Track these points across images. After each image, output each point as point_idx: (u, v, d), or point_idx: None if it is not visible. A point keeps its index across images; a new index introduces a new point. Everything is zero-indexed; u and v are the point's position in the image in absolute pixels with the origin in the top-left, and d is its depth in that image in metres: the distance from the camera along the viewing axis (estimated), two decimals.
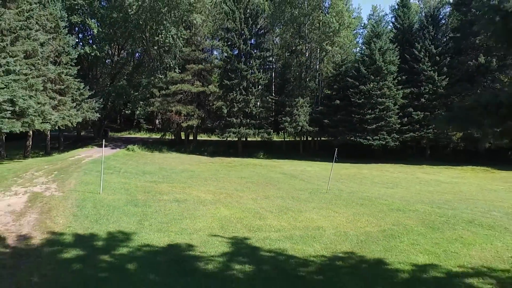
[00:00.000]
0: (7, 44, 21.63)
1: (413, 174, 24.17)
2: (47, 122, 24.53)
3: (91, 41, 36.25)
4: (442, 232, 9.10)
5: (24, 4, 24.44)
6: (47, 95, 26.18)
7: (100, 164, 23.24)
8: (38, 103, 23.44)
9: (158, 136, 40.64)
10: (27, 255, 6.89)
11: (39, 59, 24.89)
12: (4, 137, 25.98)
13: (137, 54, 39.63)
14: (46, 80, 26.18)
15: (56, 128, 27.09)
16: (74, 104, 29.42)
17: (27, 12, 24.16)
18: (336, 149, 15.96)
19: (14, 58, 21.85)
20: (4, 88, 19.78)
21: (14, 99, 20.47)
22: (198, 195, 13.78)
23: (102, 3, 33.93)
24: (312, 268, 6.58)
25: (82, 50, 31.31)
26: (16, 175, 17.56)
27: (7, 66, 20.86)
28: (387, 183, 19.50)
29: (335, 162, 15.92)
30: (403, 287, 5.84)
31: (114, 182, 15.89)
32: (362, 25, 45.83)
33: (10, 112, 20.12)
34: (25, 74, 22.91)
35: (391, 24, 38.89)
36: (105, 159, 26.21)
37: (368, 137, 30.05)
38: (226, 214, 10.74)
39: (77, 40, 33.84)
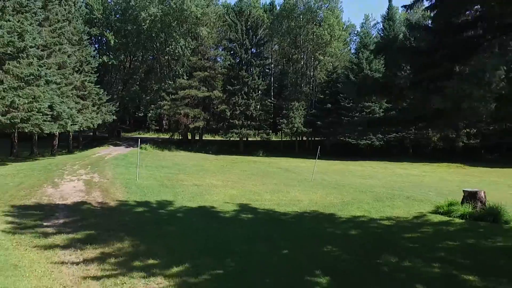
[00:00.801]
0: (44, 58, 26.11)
1: (391, 169, 28.59)
2: (75, 124, 29.04)
3: (105, 48, 40.75)
4: (383, 202, 13.53)
5: (56, 22, 28.93)
6: (73, 100, 30.66)
7: (122, 160, 27.76)
8: (69, 108, 27.93)
9: (165, 136, 45.13)
10: (113, 210, 11.35)
11: (68, 70, 29.40)
12: (36, 136, 30.48)
13: (148, 61, 44.17)
14: (72, 88, 30.67)
15: (81, 129, 31.57)
16: (95, 108, 33.92)
17: (59, 30, 28.66)
18: (319, 147, 20.43)
19: (50, 70, 26.34)
20: (46, 96, 24.24)
21: (53, 105, 24.97)
22: (211, 182, 18.23)
23: (117, 16, 38.41)
24: (289, 216, 11.04)
25: (100, 59, 35.82)
26: (59, 168, 21.99)
27: (46, 77, 25.32)
28: (365, 176, 23.93)
29: (318, 158, 20.37)
30: (339, 224, 10.27)
31: (142, 173, 20.29)
32: (355, 32, 50.37)
33: (50, 116, 24.60)
34: (57, 83, 27.39)
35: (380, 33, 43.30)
36: (124, 156, 30.76)
37: (355, 137, 34.50)
38: (233, 193, 15.18)
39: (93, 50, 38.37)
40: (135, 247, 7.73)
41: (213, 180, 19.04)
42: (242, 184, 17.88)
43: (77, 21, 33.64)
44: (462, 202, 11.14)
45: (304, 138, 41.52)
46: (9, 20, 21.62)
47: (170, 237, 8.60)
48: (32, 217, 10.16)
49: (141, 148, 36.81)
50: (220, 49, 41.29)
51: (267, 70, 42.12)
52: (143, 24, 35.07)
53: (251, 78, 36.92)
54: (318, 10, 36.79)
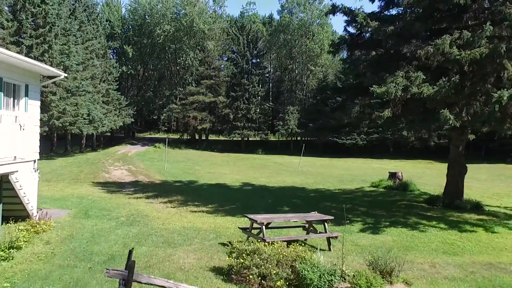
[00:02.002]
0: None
1: (368, 164, 34.95)
2: (104, 126, 35.47)
3: (123, 59, 47.29)
4: (343, 182, 19.96)
5: (87, 40, 35.36)
6: (100, 106, 37.05)
7: (143, 156, 34.12)
8: (100, 113, 34.32)
9: (174, 135, 51.63)
10: (160, 184, 17.80)
11: (97, 80, 35.82)
12: (69, 136, 36.92)
13: (159, 70, 50.77)
14: (100, 96, 37.03)
15: (107, 130, 38.00)
16: (116, 112, 40.34)
17: (90, 47, 35.11)
18: (304, 144, 26.83)
19: (86, 81, 32.74)
20: (85, 104, 30.65)
21: (90, 111, 31.39)
22: (220, 171, 24.68)
23: (134, 30, 44.91)
24: (275, 188, 17.49)
25: (120, 70, 42.33)
26: (98, 162, 28.42)
27: (83, 87, 31.71)
28: (343, 168, 30.32)
29: (303, 154, 26.80)
30: (306, 192, 16.67)
31: (166, 165, 26.72)
32: None
33: (88, 120, 31.02)
34: (89, 92, 33.76)
35: None
36: (143, 154, 37.19)
37: (342, 138, 40.92)
38: (238, 177, 21.62)
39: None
40: (185, 198, 14.17)
41: (222, 170, 25.51)
42: (244, 173, 24.34)
43: (100, 37, 40.06)
44: (388, 179, 17.54)
45: (298, 138, 47.96)
46: (58, 44, 28.11)
47: (203, 195, 15.06)
48: (111, 187, 16.61)
49: (155, 147, 43.50)
50: (224, 59, 47.81)
51: (266, 78, 48.62)
52: (157, 38, 41.52)
53: (251, 85, 43.38)
54: (310, 26, 43.19)
